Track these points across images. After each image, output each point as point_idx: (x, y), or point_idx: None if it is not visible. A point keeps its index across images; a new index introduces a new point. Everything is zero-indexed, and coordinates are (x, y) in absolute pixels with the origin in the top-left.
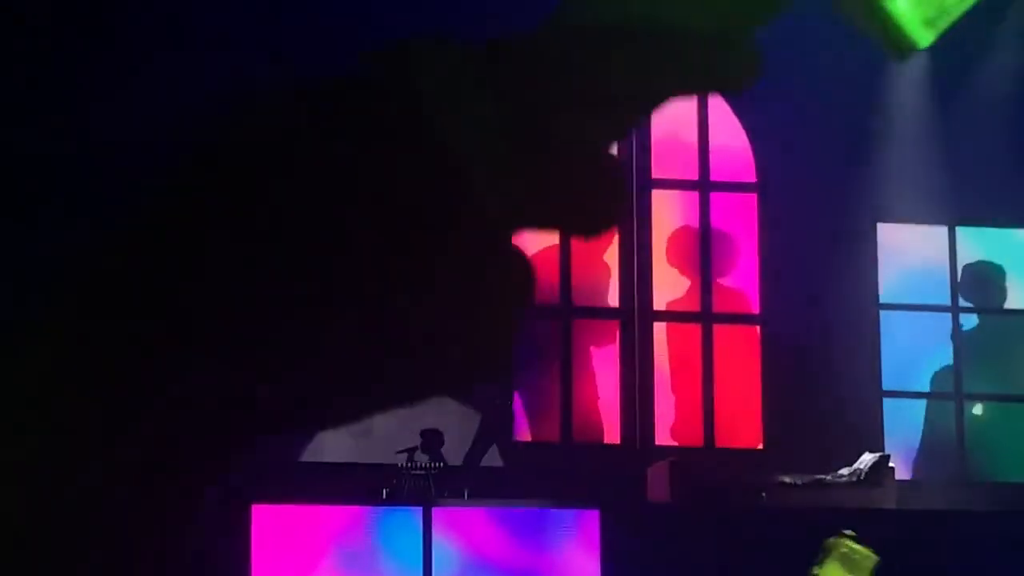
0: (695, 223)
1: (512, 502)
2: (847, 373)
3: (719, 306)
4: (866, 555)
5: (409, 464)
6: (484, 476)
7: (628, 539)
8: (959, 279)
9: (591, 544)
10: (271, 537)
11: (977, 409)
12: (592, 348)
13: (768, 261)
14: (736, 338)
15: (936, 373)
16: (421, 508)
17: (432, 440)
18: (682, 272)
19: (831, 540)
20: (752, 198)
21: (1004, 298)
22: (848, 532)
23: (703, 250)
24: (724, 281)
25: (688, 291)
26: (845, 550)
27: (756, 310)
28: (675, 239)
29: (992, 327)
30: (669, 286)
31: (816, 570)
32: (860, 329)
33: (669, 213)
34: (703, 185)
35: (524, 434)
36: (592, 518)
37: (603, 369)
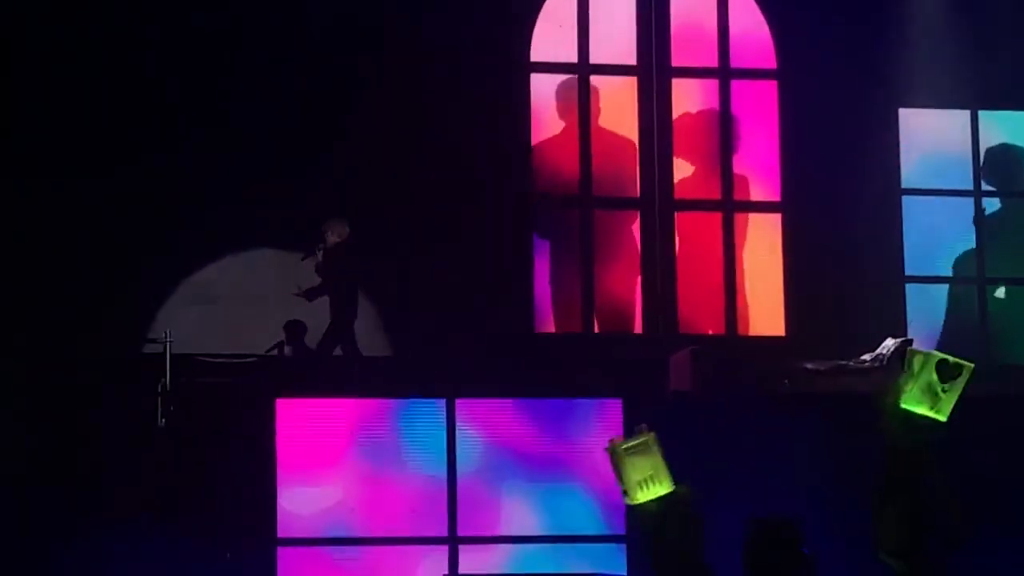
0: (714, 110)
1: (536, 392)
2: (869, 259)
3: (740, 194)
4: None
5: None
6: (500, 367)
7: (651, 428)
8: (981, 163)
9: (614, 433)
10: (295, 431)
11: (1000, 292)
12: (613, 238)
13: (789, 148)
14: (758, 225)
15: (958, 258)
16: (444, 400)
17: (295, 330)
18: (700, 161)
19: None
20: (772, 85)
21: None
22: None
23: (724, 138)
24: (745, 169)
25: (708, 180)
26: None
27: (777, 198)
28: (694, 127)
29: (1015, 210)
30: (687, 174)
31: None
32: (882, 215)
33: (689, 101)
34: (723, 72)
35: (547, 325)
36: (615, 407)
37: (624, 259)
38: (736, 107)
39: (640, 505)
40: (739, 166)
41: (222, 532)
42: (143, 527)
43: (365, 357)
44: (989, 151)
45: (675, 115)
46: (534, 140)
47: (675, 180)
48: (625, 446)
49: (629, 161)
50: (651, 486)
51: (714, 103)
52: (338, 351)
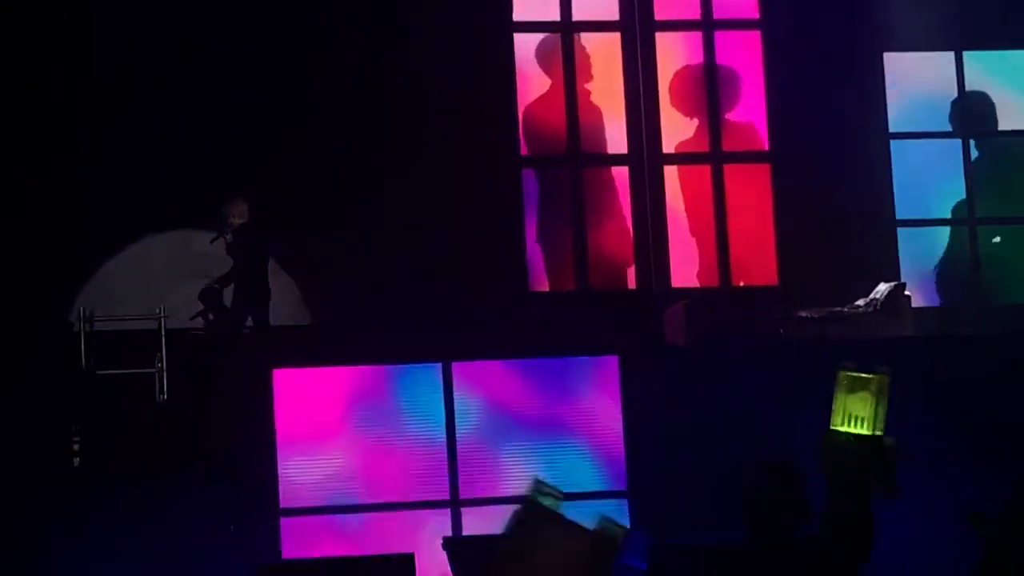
0: (698, 63)
1: (531, 352)
2: (859, 204)
3: (728, 145)
4: (871, 376)
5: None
6: (495, 328)
7: (648, 383)
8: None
9: (611, 390)
10: (293, 400)
11: (996, 239)
12: (603, 195)
13: (775, 97)
14: (747, 176)
15: (951, 200)
16: (441, 364)
17: (211, 296)
18: (688, 113)
19: (839, 374)
20: (756, 35)
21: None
22: (847, 363)
23: (710, 90)
24: (732, 120)
25: (696, 132)
26: (847, 379)
27: (765, 147)
28: (679, 80)
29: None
30: (677, 128)
31: (834, 420)
32: (871, 160)
33: (672, 55)
34: (706, 24)
35: (541, 284)
36: (611, 364)
37: (615, 216)
38: (722, 59)
39: (837, 435)
40: (731, 118)
41: (224, 505)
42: (145, 502)
43: (276, 328)
44: (962, 96)
45: (669, 72)
46: (520, 100)
47: (673, 138)
48: (853, 373)
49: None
50: (857, 422)
51: (698, 56)
52: (249, 323)
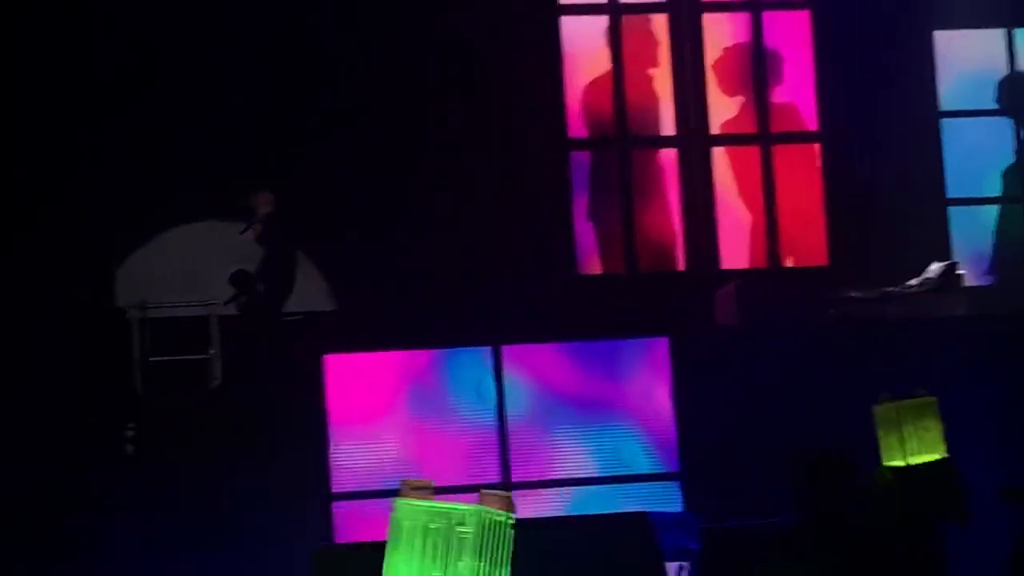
0: (746, 44)
1: (581, 334)
2: (910, 184)
3: (777, 126)
4: (931, 399)
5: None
6: (545, 311)
7: (699, 365)
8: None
9: (662, 372)
10: (344, 385)
11: None
12: (653, 177)
13: (824, 77)
14: (796, 156)
15: (1004, 177)
16: (491, 347)
17: (243, 280)
18: (736, 94)
19: (878, 409)
20: (804, 15)
21: None
22: (884, 395)
23: (757, 71)
24: (780, 100)
25: (739, 112)
26: (892, 411)
27: (809, 127)
28: (723, 60)
29: None
30: (720, 108)
31: (889, 456)
32: (921, 139)
33: (720, 35)
34: (754, 4)
35: (590, 267)
36: (661, 346)
37: (665, 197)
38: (770, 40)
39: (893, 470)
40: (780, 98)
41: (277, 490)
42: (198, 489)
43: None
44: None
45: (712, 52)
46: (568, 82)
47: (721, 119)
48: (899, 403)
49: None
50: (924, 449)
51: (747, 37)
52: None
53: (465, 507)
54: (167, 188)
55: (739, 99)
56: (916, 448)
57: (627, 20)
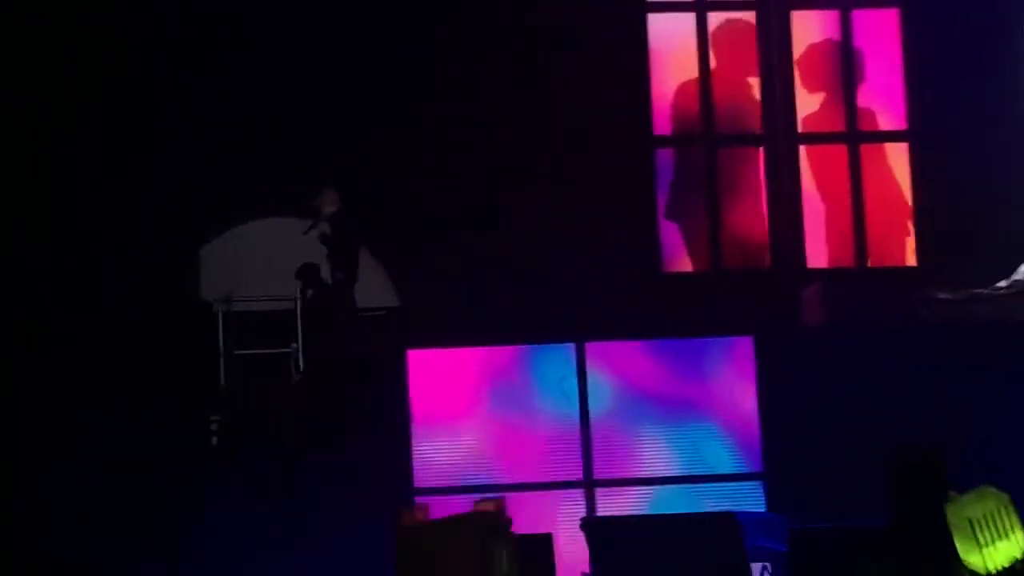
0: (831, 41)
1: (666, 332)
2: (999, 184)
3: (863, 125)
4: (1003, 494)
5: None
6: (629, 309)
7: (784, 364)
8: None
9: (746, 371)
10: (428, 380)
11: None
12: (739, 175)
13: (912, 76)
14: (884, 155)
15: None
16: (574, 344)
17: (310, 274)
18: (818, 91)
19: (949, 508)
20: (893, 13)
21: None
22: (952, 495)
23: (846, 70)
24: (867, 99)
25: (826, 110)
26: (965, 509)
27: (891, 126)
28: (811, 58)
29: None
30: (806, 106)
31: (972, 560)
32: (1011, 139)
33: (803, 32)
34: (844, 2)
35: (675, 265)
36: (746, 345)
37: (751, 196)
38: (858, 38)
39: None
40: (863, 97)
41: (361, 484)
42: (281, 481)
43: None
44: None
45: (799, 49)
46: (655, 80)
47: (803, 116)
48: (974, 500)
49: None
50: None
51: (833, 35)
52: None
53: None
54: (251, 183)
55: (821, 96)
56: (995, 555)
57: (714, 17)
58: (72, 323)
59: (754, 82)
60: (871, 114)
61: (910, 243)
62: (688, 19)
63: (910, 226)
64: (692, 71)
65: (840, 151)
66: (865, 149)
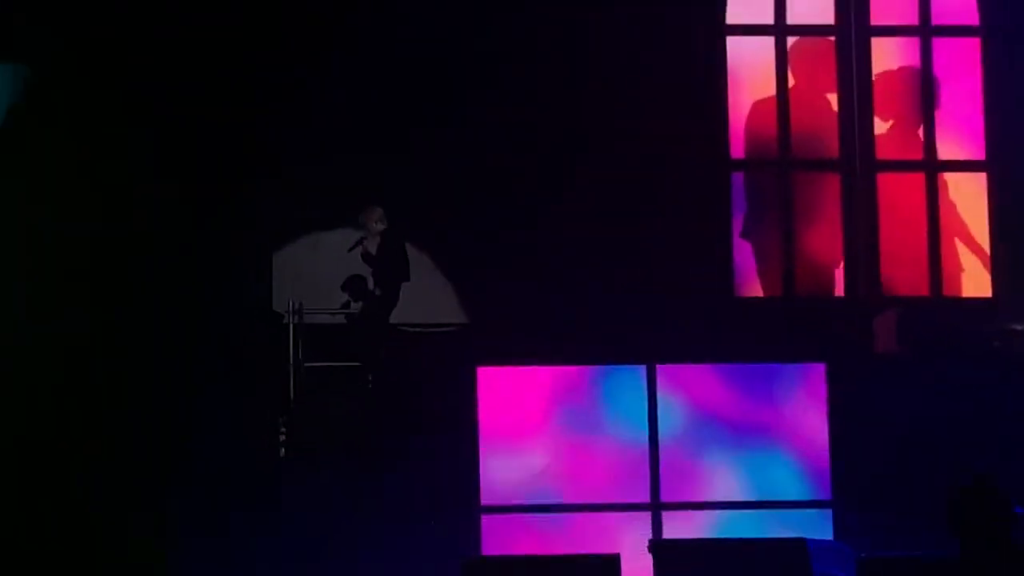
0: (906, 67)
1: (737, 357)
2: None
3: (941, 153)
4: None
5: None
6: (701, 332)
7: (856, 392)
8: None
9: (818, 398)
10: (497, 398)
11: None
12: (813, 200)
13: (993, 105)
14: (962, 185)
15: None
16: (645, 366)
17: (357, 286)
18: (890, 118)
19: None
20: (975, 42)
21: None
22: None
23: (925, 97)
24: (945, 127)
25: (898, 136)
26: None
27: (981, 156)
28: (885, 84)
29: None
30: (887, 133)
31: None
32: None
33: (886, 59)
34: (924, 30)
35: (748, 289)
36: (818, 372)
37: (825, 221)
38: (937, 65)
39: None
40: (939, 125)
41: (428, 500)
42: (349, 495)
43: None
44: None
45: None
46: (732, 102)
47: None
48: None
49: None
50: None
51: (911, 61)
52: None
53: None
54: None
55: (893, 123)
56: None
57: (793, 42)
58: (148, 331)
59: (832, 99)
60: (947, 142)
61: (986, 273)
62: (767, 43)
63: (986, 256)
64: (766, 90)
65: (917, 179)
66: (943, 177)
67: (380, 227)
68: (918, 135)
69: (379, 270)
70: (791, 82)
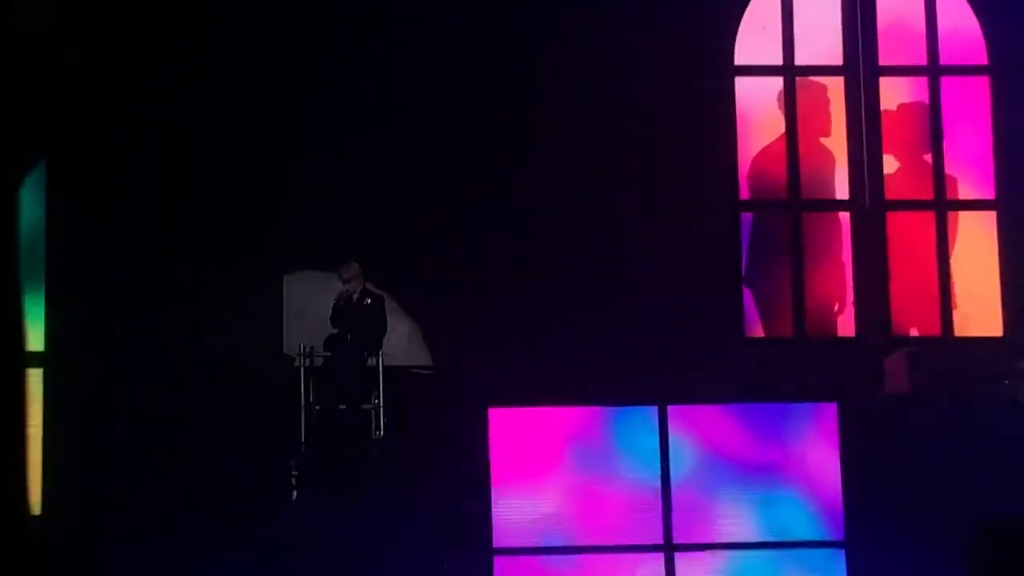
0: (913, 105)
1: (749, 397)
2: None
3: (951, 192)
4: None
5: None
6: (712, 373)
7: (867, 432)
8: None
9: (830, 438)
10: (508, 439)
11: None
12: (822, 240)
13: (1003, 144)
14: (971, 224)
15: None
16: (657, 407)
17: (335, 346)
18: (908, 158)
19: None
20: (984, 81)
21: None
22: None
23: (934, 136)
24: (953, 166)
25: (905, 175)
26: None
27: (990, 195)
28: (902, 124)
29: None
30: (895, 174)
31: None
32: None
33: (895, 98)
34: (932, 69)
35: (758, 330)
36: (830, 412)
37: (835, 261)
38: (944, 104)
39: None
40: (948, 164)
41: (441, 542)
42: (357, 537)
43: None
44: None
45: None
46: (741, 144)
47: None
48: None
49: (830, 166)
50: None
51: (919, 99)
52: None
53: None
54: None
55: (909, 163)
56: None
57: (802, 83)
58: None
59: (827, 142)
60: (956, 181)
61: (997, 313)
62: (775, 84)
63: (998, 296)
64: (768, 135)
65: (927, 218)
66: (952, 217)
67: (353, 285)
68: (940, 175)
69: (355, 324)
70: (783, 127)
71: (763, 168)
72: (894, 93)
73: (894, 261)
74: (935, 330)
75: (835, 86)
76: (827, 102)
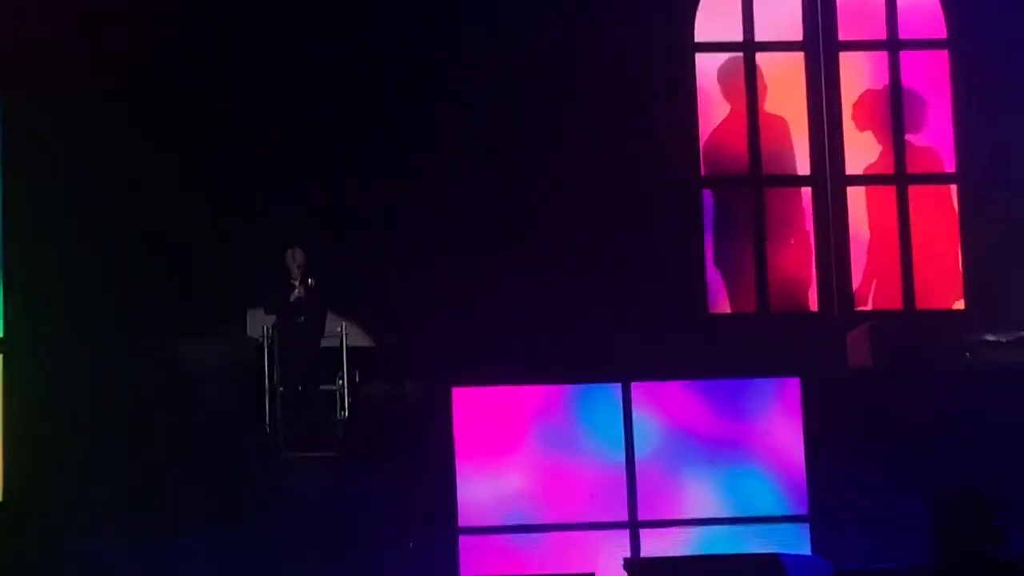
0: (883, 84)
1: (712, 373)
2: None
3: (912, 167)
4: None
5: None
6: (675, 349)
7: (830, 406)
8: None
9: (793, 412)
10: (472, 418)
11: None
12: (785, 216)
13: (962, 118)
14: (932, 198)
15: None
16: (620, 384)
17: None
18: (873, 135)
19: None
20: (943, 54)
21: None
22: None
23: (894, 110)
24: (917, 141)
25: (880, 154)
26: None
27: (952, 168)
28: (865, 102)
29: None
30: (861, 150)
31: None
32: None
33: (857, 75)
34: (892, 44)
35: (722, 306)
36: (793, 386)
37: (797, 237)
38: (906, 79)
39: None
40: (920, 141)
41: (405, 522)
42: (323, 517)
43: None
44: None
45: (854, 93)
46: (701, 121)
47: (857, 159)
48: None
49: (787, 140)
50: None
51: (882, 75)
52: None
53: None
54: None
55: (873, 139)
56: None
57: (762, 58)
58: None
59: (789, 119)
60: (920, 157)
61: (958, 286)
62: (736, 60)
63: (959, 268)
64: (738, 114)
65: (888, 193)
66: (913, 191)
67: (298, 272)
68: (901, 149)
69: (306, 306)
70: (728, 107)
71: (718, 146)
72: (877, 75)
73: (858, 235)
74: (897, 304)
75: (796, 61)
76: (787, 73)
